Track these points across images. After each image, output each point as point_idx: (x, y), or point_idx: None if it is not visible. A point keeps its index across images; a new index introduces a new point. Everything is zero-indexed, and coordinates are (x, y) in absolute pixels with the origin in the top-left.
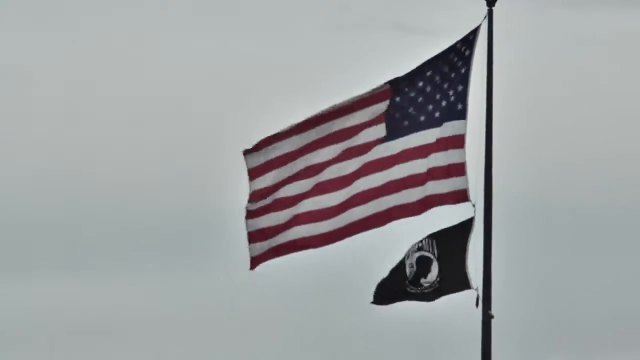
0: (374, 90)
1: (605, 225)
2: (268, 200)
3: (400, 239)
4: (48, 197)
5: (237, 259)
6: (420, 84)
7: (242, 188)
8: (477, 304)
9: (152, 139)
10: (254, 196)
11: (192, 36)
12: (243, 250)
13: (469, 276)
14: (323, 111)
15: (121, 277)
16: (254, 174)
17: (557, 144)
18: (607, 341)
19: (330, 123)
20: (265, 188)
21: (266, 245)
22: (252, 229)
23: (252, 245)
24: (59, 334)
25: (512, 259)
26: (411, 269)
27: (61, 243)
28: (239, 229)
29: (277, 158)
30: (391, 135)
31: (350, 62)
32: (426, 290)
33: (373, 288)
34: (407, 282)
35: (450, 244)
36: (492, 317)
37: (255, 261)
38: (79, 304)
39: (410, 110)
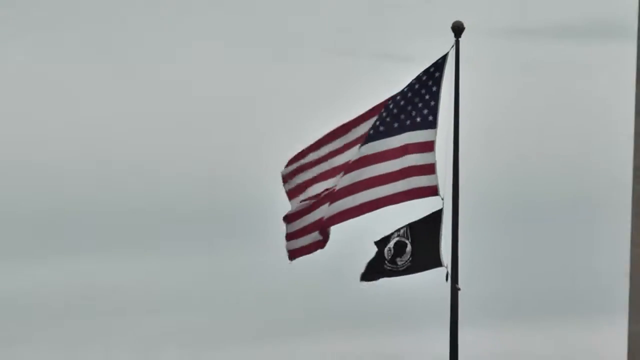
0: (374, 107)
1: (546, 212)
2: (302, 205)
3: (381, 228)
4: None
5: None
6: (400, 100)
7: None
8: (446, 279)
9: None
10: (290, 195)
11: None
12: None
13: (441, 256)
14: (344, 123)
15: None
16: (286, 179)
17: (510, 148)
18: (553, 309)
19: (349, 133)
20: (296, 187)
21: (301, 241)
22: (290, 230)
23: (290, 242)
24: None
25: (476, 242)
26: (389, 251)
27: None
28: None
29: (307, 164)
30: (371, 139)
31: (346, 83)
32: (401, 268)
33: (361, 270)
34: (386, 262)
35: (423, 230)
36: (458, 289)
37: (293, 254)
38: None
39: (389, 120)
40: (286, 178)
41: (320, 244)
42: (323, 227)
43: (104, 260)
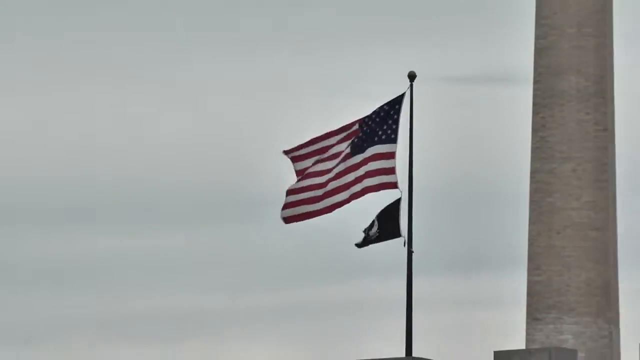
0: (352, 129)
1: (471, 200)
2: (304, 182)
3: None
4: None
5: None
6: (370, 123)
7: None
8: (404, 245)
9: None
10: (298, 174)
11: None
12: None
13: (400, 229)
14: (336, 129)
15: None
16: (295, 160)
17: (447, 156)
18: (475, 264)
19: (337, 144)
20: (304, 169)
21: (297, 210)
22: (288, 201)
23: (286, 210)
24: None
25: (426, 219)
26: (367, 227)
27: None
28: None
29: (312, 152)
30: (352, 152)
31: (335, 114)
32: (373, 237)
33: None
34: (366, 233)
35: (387, 212)
36: (412, 252)
37: (289, 220)
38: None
39: (364, 137)
40: (296, 159)
41: (309, 216)
42: (320, 214)
43: None
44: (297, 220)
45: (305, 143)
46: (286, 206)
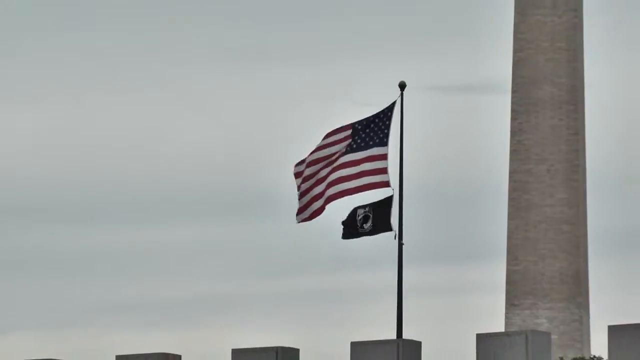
0: (345, 133)
1: (456, 195)
2: (307, 184)
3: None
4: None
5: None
6: (365, 128)
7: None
8: (395, 238)
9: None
10: (297, 175)
11: None
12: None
13: (391, 224)
14: (330, 132)
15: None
16: (297, 165)
17: (433, 157)
18: (458, 255)
19: (334, 146)
20: (302, 171)
21: (307, 212)
22: (301, 204)
23: (300, 214)
24: None
25: (415, 215)
26: (359, 219)
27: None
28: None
29: (311, 161)
30: (348, 152)
31: (332, 120)
32: (367, 230)
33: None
34: (358, 227)
35: (379, 208)
36: (402, 244)
37: (302, 221)
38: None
39: (359, 141)
40: (297, 175)
41: (317, 213)
42: (322, 210)
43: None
44: (308, 220)
45: (305, 158)
46: (299, 210)
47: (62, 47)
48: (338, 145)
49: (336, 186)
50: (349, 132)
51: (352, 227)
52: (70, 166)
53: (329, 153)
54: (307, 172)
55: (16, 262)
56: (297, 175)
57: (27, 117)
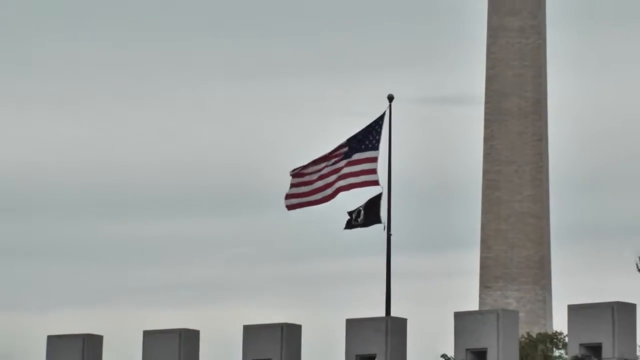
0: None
1: (441, 194)
2: (303, 178)
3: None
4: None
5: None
6: (360, 135)
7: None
8: (384, 229)
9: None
10: (296, 175)
11: None
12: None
13: (380, 217)
14: (327, 153)
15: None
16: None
17: (418, 160)
18: (437, 244)
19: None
20: (301, 170)
21: (297, 200)
22: (291, 192)
23: (289, 200)
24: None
25: (401, 209)
26: (355, 213)
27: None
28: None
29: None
30: (344, 157)
31: (331, 131)
32: (360, 222)
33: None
34: (353, 220)
35: (371, 203)
36: (390, 235)
37: (291, 207)
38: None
39: (355, 145)
40: (293, 184)
41: (307, 204)
42: (316, 204)
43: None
44: (296, 208)
45: (305, 165)
46: (288, 196)
47: (87, 59)
48: (337, 152)
49: (331, 189)
50: (346, 146)
51: (349, 220)
52: (108, 172)
53: (329, 158)
54: (308, 170)
55: (62, 250)
56: (296, 175)
57: (68, 131)
